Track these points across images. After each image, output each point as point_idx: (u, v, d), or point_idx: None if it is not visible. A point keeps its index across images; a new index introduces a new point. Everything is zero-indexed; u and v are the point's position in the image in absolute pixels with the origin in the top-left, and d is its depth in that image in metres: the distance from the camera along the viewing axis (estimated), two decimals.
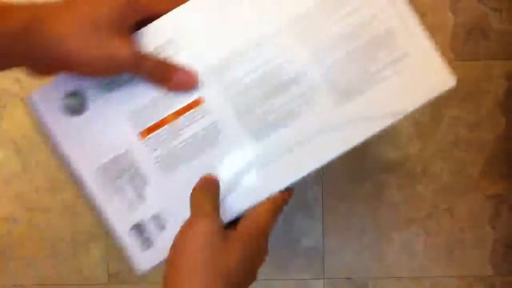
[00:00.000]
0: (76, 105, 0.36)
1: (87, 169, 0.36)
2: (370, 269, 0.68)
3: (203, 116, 0.36)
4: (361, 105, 0.37)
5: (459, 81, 0.38)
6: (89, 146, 0.36)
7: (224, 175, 0.37)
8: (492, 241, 0.68)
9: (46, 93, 0.36)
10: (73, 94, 0.36)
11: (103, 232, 0.68)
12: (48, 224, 0.68)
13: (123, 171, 0.36)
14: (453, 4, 0.68)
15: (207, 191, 0.34)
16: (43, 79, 0.35)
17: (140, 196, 0.36)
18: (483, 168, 0.68)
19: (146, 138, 0.36)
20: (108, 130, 0.36)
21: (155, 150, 0.36)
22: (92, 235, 0.68)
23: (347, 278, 0.68)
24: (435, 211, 0.68)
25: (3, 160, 0.68)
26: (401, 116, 0.37)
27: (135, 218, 0.36)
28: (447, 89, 0.38)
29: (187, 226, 0.31)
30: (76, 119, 0.36)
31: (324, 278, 0.67)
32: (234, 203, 0.37)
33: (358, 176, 0.68)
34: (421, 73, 0.37)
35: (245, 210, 0.37)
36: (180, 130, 0.36)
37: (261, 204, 0.35)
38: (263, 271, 0.68)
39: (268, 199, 0.36)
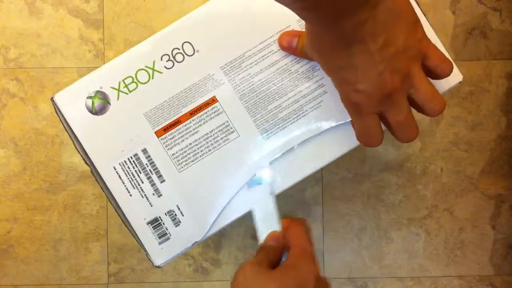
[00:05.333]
0: (98, 105, 0.38)
1: (107, 166, 0.38)
2: (370, 269, 0.68)
3: (217, 115, 0.38)
4: None
5: None
6: (109, 143, 0.38)
7: (235, 172, 0.38)
8: (492, 241, 0.68)
9: (71, 93, 0.38)
10: (96, 94, 0.38)
11: (103, 232, 0.68)
12: (48, 224, 0.68)
13: (141, 168, 0.38)
14: (453, 4, 0.68)
15: (271, 248, 0.35)
16: None
17: (157, 192, 0.38)
18: (483, 168, 0.68)
19: (163, 136, 0.38)
20: (127, 129, 0.38)
21: (171, 148, 0.38)
22: (92, 235, 0.68)
23: (347, 278, 0.68)
24: (435, 211, 0.68)
25: (3, 160, 0.68)
26: None
27: (152, 214, 0.38)
28: (454, 84, 0.38)
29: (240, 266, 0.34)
30: (98, 118, 0.38)
31: None
32: (244, 201, 0.38)
33: (358, 176, 0.68)
34: None
35: (256, 205, 0.38)
36: (195, 128, 0.38)
37: (288, 229, 0.36)
38: None
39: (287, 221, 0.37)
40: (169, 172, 0.38)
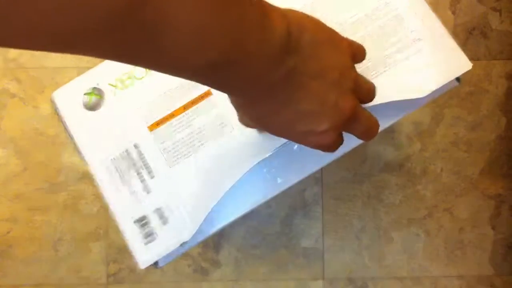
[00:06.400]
0: (94, 101, 0.38)
1: (99, 161, 0.38)
2: (370, 269, 0.68)
3: (211, 108, 0.38)
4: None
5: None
6: (102, 139, 0.38)
7: (229, 168, 0.37)
8: (492, 241, 0.68)
9: (69, 90, 0.38)
10: (92, 91, 0.38)
11: (103, 232, 0.68)
12: (48, 224, 0.68)
13: (131, 164, 0.37)
14: (453, 4, 0.68)
15: None
16: None
17: (146, 189, 0.37)
18: (483, 168, 0.68)
19: (155, 130, 0.38)
20: (121, 124, 0.38)
21: (162, 142, 0.37)
22: (92, 235, 0.68)
23: (347, 278, 0.67)
24: (435, 211, 0.68)
25: (3, 160, 0.68)
26: (416, 108, 0.37)
27: (140, 211, 0.37)
28: (463, 72, 0.37)
29: None
30: (94, 114, 0.38)
31: (323, 278, 0.67)
32: (240, 198, 0.37)
33: (358, 176, 0.68)
34: (436, 57, 0.37)
35: (258, 203, 0.37)
36: (188, 122, 0.37)
37: None
38: (263, 271, 0.68)
39: None
40: (160, 167, 0.37)
